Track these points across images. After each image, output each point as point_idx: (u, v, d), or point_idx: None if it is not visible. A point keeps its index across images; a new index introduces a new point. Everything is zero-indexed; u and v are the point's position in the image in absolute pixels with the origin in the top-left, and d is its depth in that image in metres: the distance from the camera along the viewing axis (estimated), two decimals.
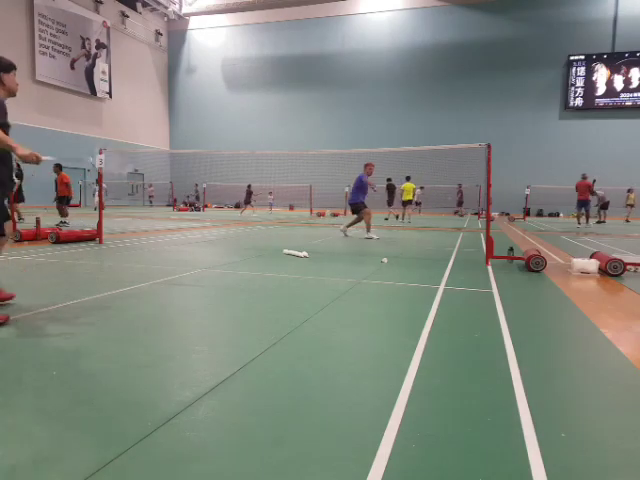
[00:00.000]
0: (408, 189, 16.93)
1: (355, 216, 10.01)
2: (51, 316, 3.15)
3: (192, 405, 1.85)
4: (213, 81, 34.07)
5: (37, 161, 3.02)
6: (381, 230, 12.36)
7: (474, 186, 22.65)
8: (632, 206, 20.45)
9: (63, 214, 11.99)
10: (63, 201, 12.00)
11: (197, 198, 29.96)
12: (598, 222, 18.85)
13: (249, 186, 22.34)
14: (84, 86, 27.95)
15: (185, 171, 31.49)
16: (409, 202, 17.17)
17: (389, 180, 17.70)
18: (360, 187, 9.80)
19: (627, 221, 20.60)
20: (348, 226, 10.13)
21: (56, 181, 12.09)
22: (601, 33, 26.98)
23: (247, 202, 22.19)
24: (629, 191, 20.65)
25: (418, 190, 23.88)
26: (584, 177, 15.21)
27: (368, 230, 9.77)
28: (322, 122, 31.50)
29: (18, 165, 13.07)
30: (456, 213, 25.14)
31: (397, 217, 17.92)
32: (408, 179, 17.35)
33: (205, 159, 30.97)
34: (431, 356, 2.48)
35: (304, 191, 25.54)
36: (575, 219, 16.50)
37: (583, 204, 15.26)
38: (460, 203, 24.03)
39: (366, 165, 9.90)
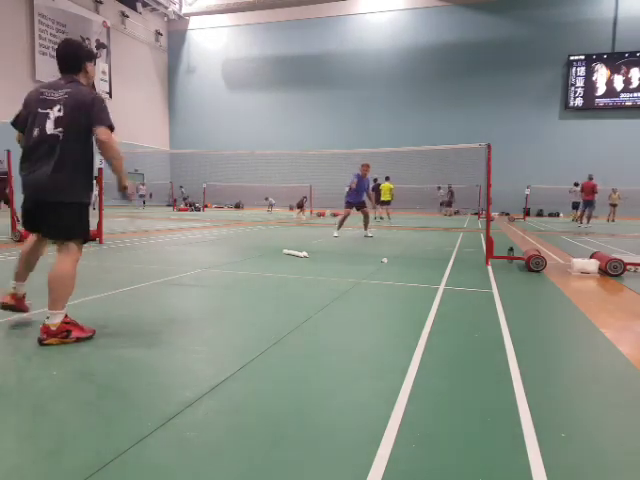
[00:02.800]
0: (385, 189, 16.87)
1: (362, 216, 10.29)
2: None
3: (192, 405, 1.85)
4: (213, 81, 34.04)
5: (130, 199, 2.99)
6: (381, 230, 12.36)
7: (474, 186, 22.63)
8: (615, 205, 20.50)
9: None
10: None
11: (184, 199, 30.31)
12: (574, 220, 19.70)
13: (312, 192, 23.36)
14: None
15: (185, 171, 31.47)
16: (387, 202, 17.13)
17: (375, 180, 17.72)
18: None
19: (612, 220, 20.62)
20: (366, 228, 10.29)
21: None
22: (601, 33, 26.95)
23: (300, 205, 23.12)
24: (614, 191, 20.62)
25: (442, 190, 23.88)
26: (590, 178, 15.41)
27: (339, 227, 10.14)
28: (322, 122, 31.46)
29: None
30: (456, 213, 25.15)
31: (381, 217, 17.72)
32: (387, 179, 17.32)
33: (205, 159, 30.92)
34: (431, 356, 2.48)
35: (304, 191, 25.53)
36: (577, 219, 16.68)
37: (587, 204, 15.40)
38: (449, 203, 23.97)
39: (363, 165, 10.03)
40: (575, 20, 27.13)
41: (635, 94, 26.74)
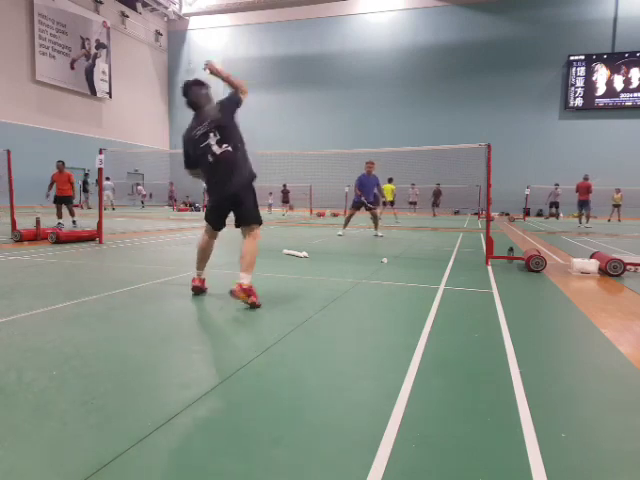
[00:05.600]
0: (387, 190, 17.06)
1: (371, 217, 10.41)
2: (50, 316, 3.15)
3: (192, 405, 1.85)
4: (213, 81, 34.00)
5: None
6: (380, 230, 12.34)
7: (474, 186, 22.63)
8: (617, 206, 20.63)
9: (72, 214, 11.32)
10: (70, 200, 11.40)
11: (174, 199, 30.17)
12: (547, 218, 21.92)
13: (284, 186, 24.21)
14: (84, 86, 27.92)
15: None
16: (390, 203, 17.28)
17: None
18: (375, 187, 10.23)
19: (618, 220, 20.88)
20: (376, 228, 10.38)
21: (53, 178, 11.16)
22: (601, 33, 26.94)
23: (286, 201, 24.10)
24: (617, 191, 20.78)
25: (416, 189, 23.91)
26: (585, 178, 15.67)
27: (376, 227, 10.28)
28: (323, 122, 31.45)
29: None
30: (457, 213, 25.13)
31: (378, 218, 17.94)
32: (390, 181, 17.46)
33: None
34: (431, 356, 2.48)
35: (304, 191, 25.54)
36: (576, 219, 16.95)
37: (582, 204, 15.62)
38: (434, 203, 23.93)
39: (367, 163, 10.15)
40: (575, 20, 27.13)
41: (635, 94, 26.74)
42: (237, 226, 3.80)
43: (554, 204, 21.77)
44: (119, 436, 1.60)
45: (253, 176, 3.74)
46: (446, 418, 1.79)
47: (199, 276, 3.93)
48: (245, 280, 3.52)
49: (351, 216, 10.38)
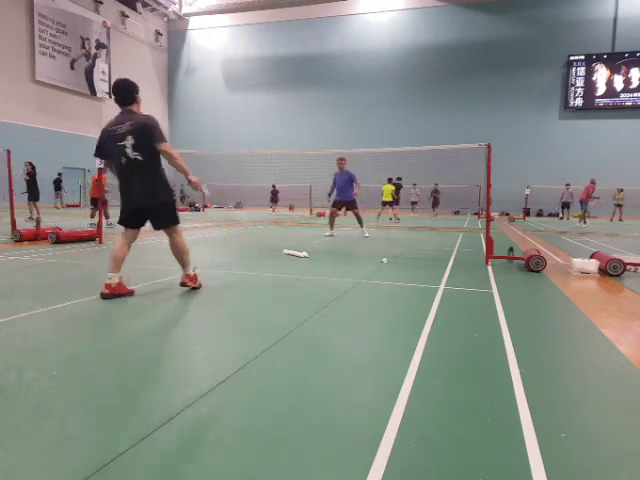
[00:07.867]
0: (387, 191, 17.08)
1: (354, 215, 10.07)
2: (50, 316, 3.15)
3: (192, 405, 1.85)
4: (213, 81, 34.04)
5: (198, 189, 4.00)
6: (380, 230, 12.35)
7: (474, 186, 22.63)
8: (620, 206, 20.80)
9: (105, 215, 11.72)
10: (95, 202, 11.77)
11: (182, 199, 30.04)
12: (561, 218, 22.29)
13: (274, 186, 25.79)
14: (84, 86, 27.91)
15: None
16: (389, 203, 17.24)
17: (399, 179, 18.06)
18: (352, 183, 9.77)
19: (619, 220, 21.04)
20: (362, 227, 10.04)
21: (94, 181, 11.71)
22: (601, 33, 26.94)
23: (275, 201, 25.63)
24: (620, 191, 20.92)
25: (417, 189, 23.96)
26: (591, 181, 17.19)
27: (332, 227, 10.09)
28: (323, 122, 31.44)
29: (30, 163, 13.02)
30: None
31: (389, 218, 17.97)
32: (389, 181, 17.50)
33: (204, 159, 30.87)
34: (431, 356, 2.48)
35: (304, 191, 25.56)
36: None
37: (580, 204, 17.21)
38: (435, 203, 23.88)
39: (337, 160, 9.76)
40: (575, 20, 27.13)
41: (635, 94, 26.74)
42: (156, 229, 3.97)
43: (565, 205, 21.61)
44: (119, 436, 1.60)
45: (169, 198, 3.88)
46: (446, 418, 1.79)
47: (109, 279, 3.64)
48: (189, 271, 4.01)
49: (332, 215, 10.04)
